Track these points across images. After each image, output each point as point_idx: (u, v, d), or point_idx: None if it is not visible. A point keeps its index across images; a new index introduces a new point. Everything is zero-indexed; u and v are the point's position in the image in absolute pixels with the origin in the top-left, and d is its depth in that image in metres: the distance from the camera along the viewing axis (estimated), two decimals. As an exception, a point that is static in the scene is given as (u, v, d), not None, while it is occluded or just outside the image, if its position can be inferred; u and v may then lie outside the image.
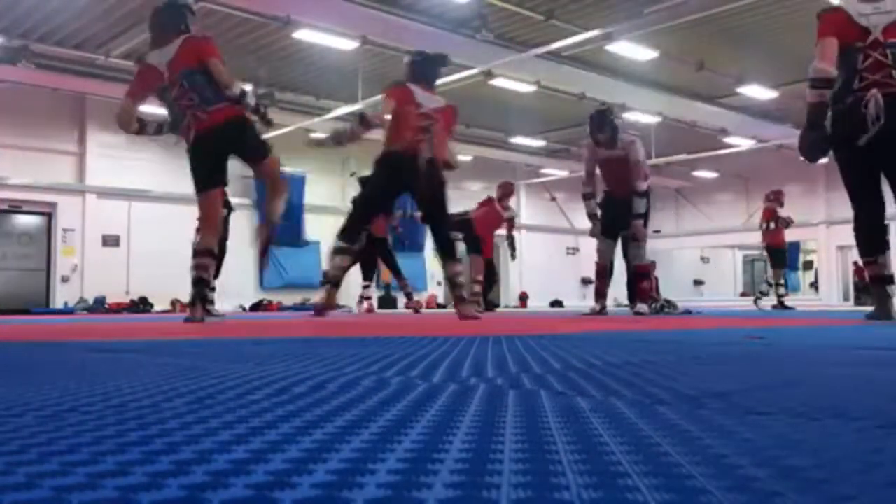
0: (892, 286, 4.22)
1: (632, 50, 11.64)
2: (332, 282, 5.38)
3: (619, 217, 6.49)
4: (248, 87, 4.71)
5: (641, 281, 6.66)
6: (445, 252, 5.41)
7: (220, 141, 4.55)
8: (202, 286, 4.67)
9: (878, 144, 3.99)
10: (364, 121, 5.32)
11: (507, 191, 10.92)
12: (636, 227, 6.43)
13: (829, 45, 4.00)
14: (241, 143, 4.62)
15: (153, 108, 13.41)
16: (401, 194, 5.73)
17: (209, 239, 4.74)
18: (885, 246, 4.28)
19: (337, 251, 5.29)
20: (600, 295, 6.76)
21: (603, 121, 6.41)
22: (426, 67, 5.58)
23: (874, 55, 3.98)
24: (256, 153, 4.73)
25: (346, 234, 5.29)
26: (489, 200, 10.98)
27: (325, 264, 11.67)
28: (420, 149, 5.13)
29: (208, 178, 4.60)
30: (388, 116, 5.26)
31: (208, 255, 4.73)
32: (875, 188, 4.25)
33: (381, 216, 8.44)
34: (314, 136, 5.85)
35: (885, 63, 3.96)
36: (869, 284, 4.42)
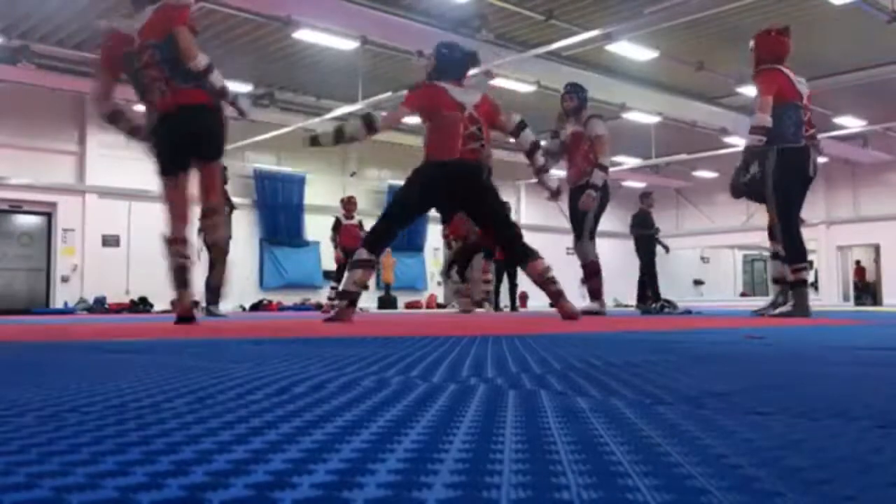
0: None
1: (632, 50, 11.64)
2: (351, 299, 4.67)
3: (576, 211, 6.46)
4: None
5: (590, 279, 6.65)
6: (518, 255, 4.82)
7: (182, 125, 4.13)
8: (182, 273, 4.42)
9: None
10: (371, 126, 4.60)
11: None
12: (585, 196, 6.31)
13: (769, 102, 5.00)
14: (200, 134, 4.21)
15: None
16: (445, 206, 5.10)
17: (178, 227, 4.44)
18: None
19: (359, 264, 4.58)
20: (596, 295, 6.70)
21: (574, 89, 6.62)
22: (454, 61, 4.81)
23: (808, 114, 5.21)
24: (210, 152, 4.31)
25: (374, 245, 4.63)
26: None
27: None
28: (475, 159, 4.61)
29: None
30: (420, 121, 4.66)
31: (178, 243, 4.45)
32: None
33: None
34: (311, 133, 5.00)
35: (812, 122, 5.26)
36: (793, 286, 5.26)
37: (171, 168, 4.26)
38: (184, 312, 4.36)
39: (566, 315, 4.65)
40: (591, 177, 6.31)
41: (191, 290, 4.72)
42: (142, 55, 4.04)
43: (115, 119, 4.38)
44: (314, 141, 4.85)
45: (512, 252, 4.91)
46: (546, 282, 4.66)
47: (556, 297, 4.69)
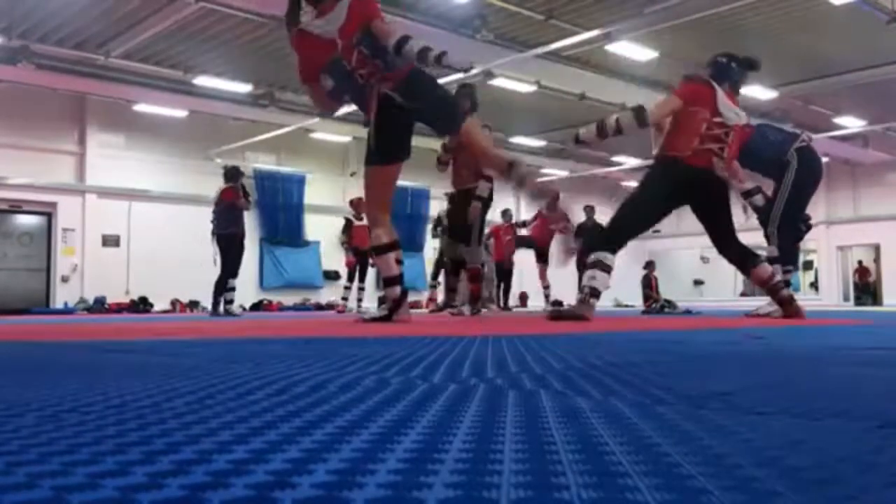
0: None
1: (632, 50, 11.63)
2: (597, 296, 4.51)
3: (458, 215, 6.63)
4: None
5: (472, 283, 6.85)
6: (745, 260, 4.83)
7: (406, 100, 3.95)
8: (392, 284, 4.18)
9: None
10: (642, 120, 4.44)
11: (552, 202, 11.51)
12: (472, 208, 6.52)
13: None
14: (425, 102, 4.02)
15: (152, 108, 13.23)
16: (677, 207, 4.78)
17: (378, 231, 4.20)
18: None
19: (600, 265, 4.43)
20: (474, 298, 6.94)
21: (465, 93, 6.68)
22: (732, 70, 4.74)
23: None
24: (447, 122, 4.19)
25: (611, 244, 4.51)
26: (539, 213, 12.11)
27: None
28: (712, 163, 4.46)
29: (386, 149, 4.10)
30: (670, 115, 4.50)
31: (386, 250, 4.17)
32: None
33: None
34: (581, 133, 4.79)
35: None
36: (777, 290, 5.29)
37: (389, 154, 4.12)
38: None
39: (788, 314, 4.80)
40: (478, 188, 6.51)
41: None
42: (350, 56, 3.95)
43: (339, 102, 4.36)
44: (578, 139, 4.76)
45: (733, 256, 4.86)
46: (772, 288, 4.82)
47: (780, 302, 4.85)
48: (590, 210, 12.47)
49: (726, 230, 4.72)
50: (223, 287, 9.19)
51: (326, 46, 4.02)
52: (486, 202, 6.65)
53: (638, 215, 4.61)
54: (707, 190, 4.49)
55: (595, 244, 4.54)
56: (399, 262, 4.23)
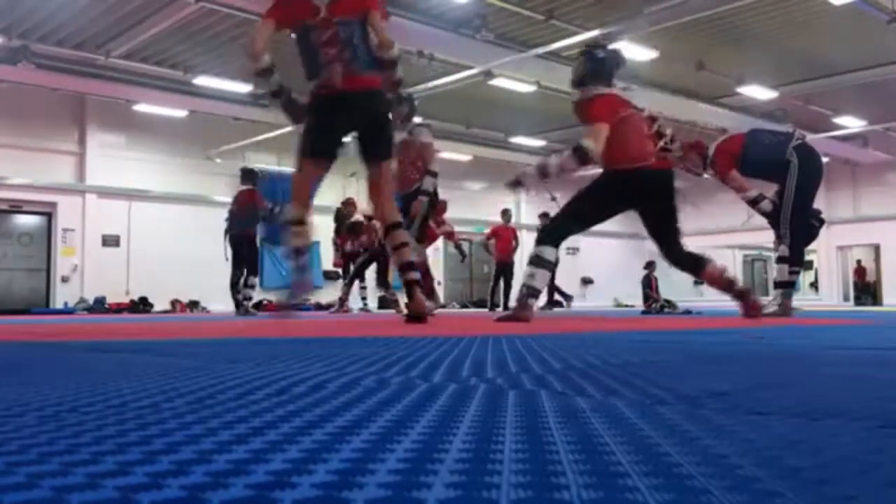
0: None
1: (632, 50, 11.61)
2: (536, 296, 4.49)
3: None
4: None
5: (423, 277, 6.91)
6: (686, 266, 4.61)
7: (345, 109, 3.89)
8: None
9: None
10: (584, 158, 4.29)
11: (439, 207, 11.32)
12: (416, 202, 6.48)
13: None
14: (367, 122, 3.94)
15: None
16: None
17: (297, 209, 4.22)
18: None
19: (539, 263, 4.43)
20: (430, 294, 6.98)
21: (408, 97, 6.68)
22: (608, 65, 4.60)
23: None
24: (377, 149, 4.05)
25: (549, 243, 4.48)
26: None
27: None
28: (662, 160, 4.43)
29: (312, 144, 4.06)
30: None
31: (296, 224, 4.26)
32: None
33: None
34: (521, 174, 4.81)
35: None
36: (785, 286, 5.56)
37: (321, 150, 4.08)
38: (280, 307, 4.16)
39: (747, 312, 4.64)
40: (423, 183, 6.48)
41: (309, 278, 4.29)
42: (324, 31, 3.82)
43: (265, 74, 4.24)
44: (516, 182, 4.70)
45: (680, 263, 4.64)
46: (726, 284, 4.63)
47: (739, 296, 4.68)
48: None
49: (670, 231, 4.54)
50: (237, 286, 9.25)
51: (313, 10, 3.86)
52: (433, 198, 6.63)
53: (583, 218, 4.60)
54: (660, 194, 4.45)
55: (539, 238, 4.53)
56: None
